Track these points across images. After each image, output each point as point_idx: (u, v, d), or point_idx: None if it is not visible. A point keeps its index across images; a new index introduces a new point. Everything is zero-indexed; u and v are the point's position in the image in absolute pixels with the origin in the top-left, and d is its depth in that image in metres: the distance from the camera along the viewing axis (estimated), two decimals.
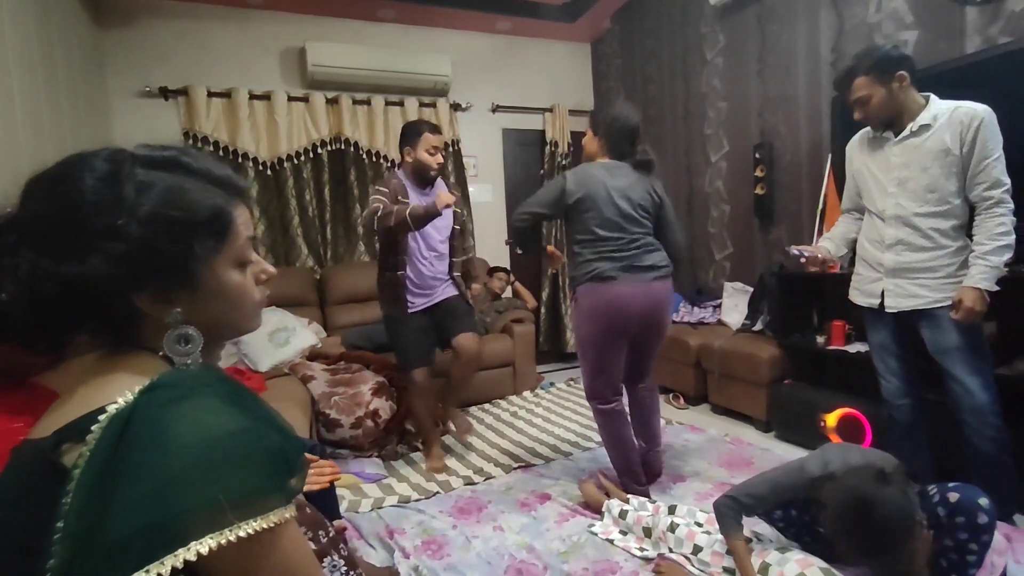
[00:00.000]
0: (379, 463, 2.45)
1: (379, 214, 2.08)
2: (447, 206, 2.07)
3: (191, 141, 3.30)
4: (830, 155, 2.60)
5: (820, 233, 2.64)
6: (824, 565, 1.28)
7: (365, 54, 3.59)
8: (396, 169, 2.40)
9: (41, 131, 2.19)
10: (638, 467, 1.99)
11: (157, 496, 0.44)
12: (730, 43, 3.26)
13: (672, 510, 1.70)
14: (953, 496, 1.26)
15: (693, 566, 1.53)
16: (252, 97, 3.42)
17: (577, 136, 4.40)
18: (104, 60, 3.16)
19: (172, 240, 0.53)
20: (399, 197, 2.23)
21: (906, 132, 1.69)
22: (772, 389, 2.62)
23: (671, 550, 1.59)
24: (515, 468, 2.36)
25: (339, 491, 1.88)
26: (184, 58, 3.34)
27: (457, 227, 2.46)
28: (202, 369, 0.57)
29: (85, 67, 2.85)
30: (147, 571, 0.42)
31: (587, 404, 2.33)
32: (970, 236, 1.66)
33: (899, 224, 1.73)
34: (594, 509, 1.91)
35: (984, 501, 1.24)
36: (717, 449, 2.43)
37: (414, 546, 1.77)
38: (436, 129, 2.27)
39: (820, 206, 2.64)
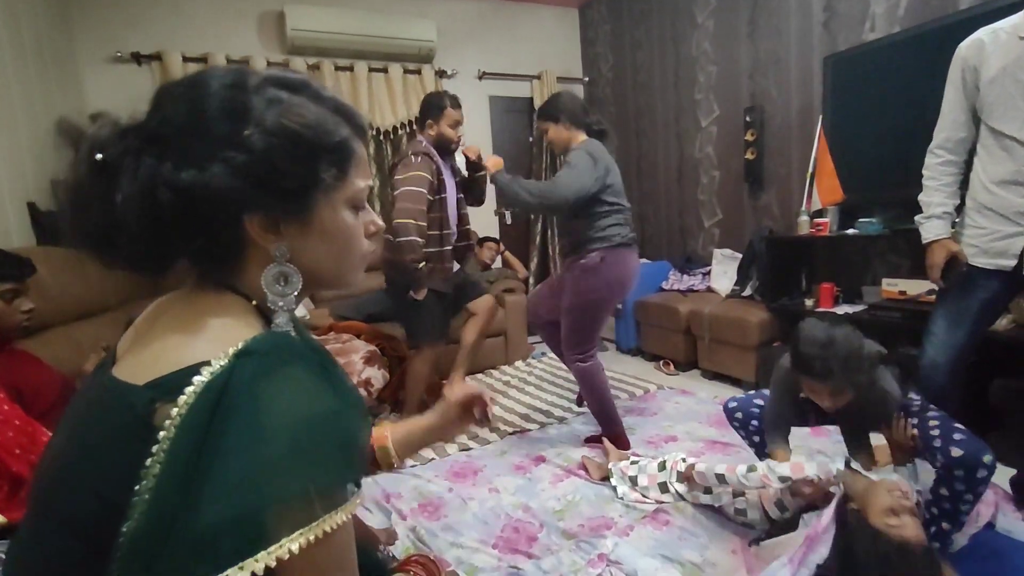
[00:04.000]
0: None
1: (409, 255, 2.15)
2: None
3: None
4: (821, 117, 2.58)
5: (810, 198, 2.63)
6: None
7: (347, 18, 3.47)
8: (419, 138, 2.38)
9: (10, 99, 2.10)
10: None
11: (250, 485, 0.42)
12: (721, 4, 3.20)
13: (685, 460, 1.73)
14: (956, 452, 1.22)
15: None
16: (230, 63, 3.29)
17: None
18: (72, 24, 3.01)
19: (296, 159, 0.50)
20: (432, 178, 2.24)
21: None
22: (761, 352, 2.65)
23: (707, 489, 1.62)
24: (510, 434, 2.38)
25: None
26: (157, 22, 3.20)
27: (460, 196, 2.51)
28: (293, 336, 0.54)
29: (52, 31, 2.72)
30: (241, 568, 0.41)
31: None
32: None
33: None
34: (596, 469, 1.91)
35: (988, 458, 1.20)
36: (707, 411, 2.46)
37: (411, 508, 1.78)
38: (457, 103, 2.33)
39: (810, 169, 2.63)
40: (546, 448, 2.17)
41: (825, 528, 1.15)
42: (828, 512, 1.18)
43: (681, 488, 1.67)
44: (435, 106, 2.29)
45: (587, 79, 4.45)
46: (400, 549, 1.55)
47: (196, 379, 0.45)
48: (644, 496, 1.72)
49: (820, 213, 2.58)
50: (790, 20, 2.81)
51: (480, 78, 4.09)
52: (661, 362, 3.29)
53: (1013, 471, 1.71)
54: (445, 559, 1.48)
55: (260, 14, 3.45)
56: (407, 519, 1.72)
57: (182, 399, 0.45)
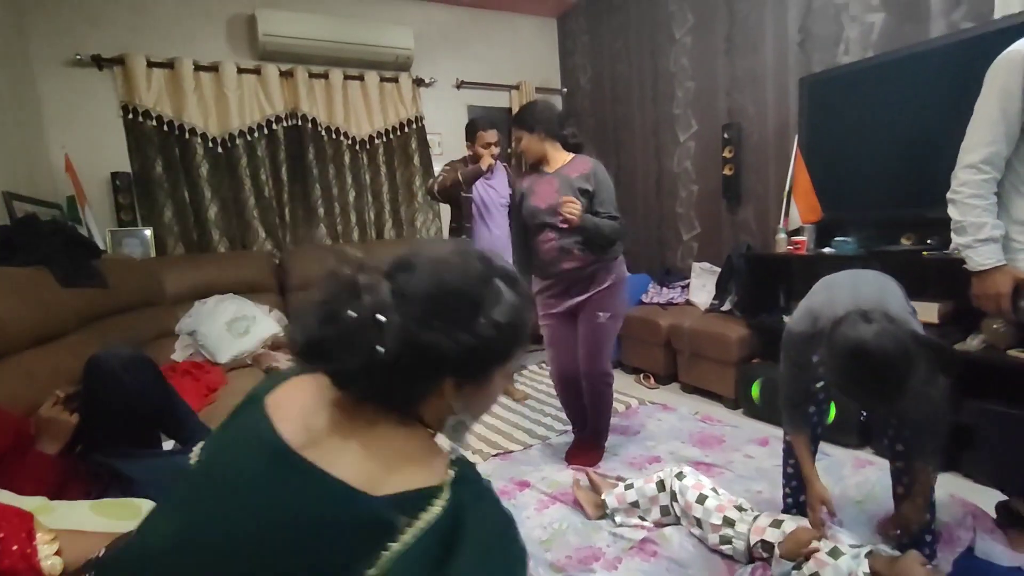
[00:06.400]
0: None
1: (438, 179, 2.70)
2: (489, 166, 2.66)
3: (131, 115, 3.04)
4: (797, 136, 2.62)
5: (787, 215, 2.68)
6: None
7: (321, 24, 3.38)
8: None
9: None
10: None
11: None
12: (698, 21, 3.23)
13: (680, 476, 1.70)
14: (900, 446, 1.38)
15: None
16: (197, 68, 3.16)
17: None
18: (26, 22, 2.83)
19: (504, 345, 0.63)
20: (462, 175, 2.67)
21: None
22: (741, 368, 2.68)
23: (696, 520, 1.61)
24: (493, 455, 2.34)
25: None
26: (119, 23, 3.05)
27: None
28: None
29: (4, 30, 2.56)
30: None
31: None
32: None
33: None
34: (592, 507, 1.82)
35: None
36: (689, 429, 2.47)
37: None
38: (489, 125, 2.71)
39: (787, 187, 2.68)
40: (531, 472, 2.14)
41: None
42: None
43: (678, 510, 1.65)
44: (470, 130, 2.76)
45: (565, 90, 4.45)
46: None
47: (435, 501, 0.56)
48: (643, 520, 1.69)
49: (797, 231, 2.62)
50: (766, 39, 2.86)
51: (458, 87, 4.04)
52: (642, 375, 3.30)
53: (982, 488, 1.77)
54: None
55: (230, 18, 3.33)
56: None
57: (424, 515, 0.55)
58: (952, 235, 1.42)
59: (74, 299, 2.05)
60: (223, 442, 0.65)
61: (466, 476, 0.61)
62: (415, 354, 0.57)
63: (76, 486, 1.16)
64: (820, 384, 1.44)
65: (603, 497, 1.78)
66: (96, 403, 1.21)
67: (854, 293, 1.30)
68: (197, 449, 0.67)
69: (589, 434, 2.24)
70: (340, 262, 0.62)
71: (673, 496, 1.65)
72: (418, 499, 0.56)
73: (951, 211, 1.41)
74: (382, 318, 0.56)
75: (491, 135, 2.71)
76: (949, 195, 1.41)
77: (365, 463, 0.57)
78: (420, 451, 0.61)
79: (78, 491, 1.15)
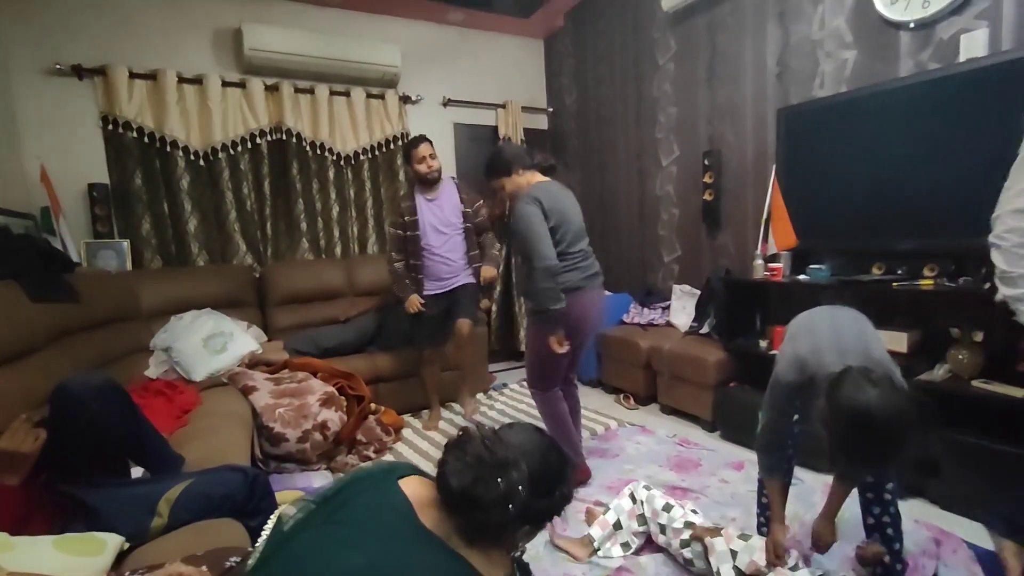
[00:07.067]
0: (328, 476, 2.34)
1: (390, 268, 2.89)
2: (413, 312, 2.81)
3: (110, 126, 3.00)
4: (774, 164, 2.69)
5: (765, 241, 2.74)
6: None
7: (308, 39, 3.38)
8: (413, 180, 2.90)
9: None
10: (578, 441, 2.26)
11: None
12: (681, 49, 3.31)
13: (647, 488, 1.77)
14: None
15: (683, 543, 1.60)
16: (181, 80, 3.14)
17: (531, 133, 4.38)
18: (1, 31, 2.79)
19: (559, 509, 0.89)
20: (405, 218, 2.79)
21: None
22: (718, 391, 2.71)
23: (661, 527, 1.66)
24: None
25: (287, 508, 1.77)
26: (101, 33, 3.02)
27: (469, 225, 2.88)
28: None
29: None
30: None
31: None
32: None
33: None
34: (579, 548, 1.74)
35: (890, 485, 1.38)
36: (667, 452, 2.49)
37: None
38: (421, 140, 2.78)
39: (765, 215, 2.74)
40: None
41: None
42: None
43: (647, 519, 1.70)
44: (408, 149, 2.80)
45: (551, 110, 4.51)
46: None
47: None
48: (628, 543, 1.70)
49: (774, 258, 2.68)
50: (746, 71, 2.94)
51: (445, 105, 4.07)
52: (622, 396, 3.32)
53: (949, 515, 1.81)
54: None
55: (216, 30, 3.32)
56: None
57: None
58: (997, 283, 1.33)
59: (44, 314, 2.00)
60: (364, 504, 0.81)
61: (523, 566, 0.93)
62: (524, 514, 0.80)
63: (39, 518, 1.12)
64: (796, 417, 1.47)
65: (589, 531, 1.74)
66: (63, 432, 1.18)
67: (837, 339, 1.31)
68: (278, 512, 0.86)
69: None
70: (479, 435, 0.84)
71: (642, 505, 1.70)
72: None
73: (995, 257, 1.32)
74: (521, 491, 0.78)
75: (424, 148, 2.75)
76: (993, 239, 1.32)
77: (480, 559, 0.79)
78: (501, 555, 0.85)
79: (41, 523, 1.12)
